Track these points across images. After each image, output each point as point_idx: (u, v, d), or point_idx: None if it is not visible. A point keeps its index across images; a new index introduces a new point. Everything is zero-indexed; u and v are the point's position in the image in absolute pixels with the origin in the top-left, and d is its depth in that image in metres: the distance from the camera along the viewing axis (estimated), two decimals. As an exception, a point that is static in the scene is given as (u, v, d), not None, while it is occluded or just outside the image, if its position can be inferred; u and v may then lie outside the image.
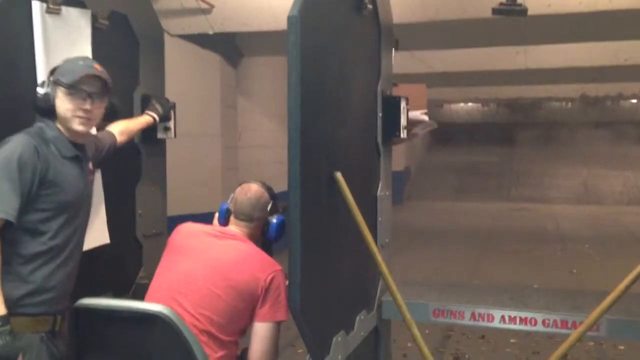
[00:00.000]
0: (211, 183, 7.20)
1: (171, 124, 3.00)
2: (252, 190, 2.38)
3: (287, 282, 2.19)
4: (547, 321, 2.33)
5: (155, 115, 2.83)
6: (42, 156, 2.01)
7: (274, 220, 2.36)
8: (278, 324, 2.21)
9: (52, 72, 2.12)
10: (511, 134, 19.65)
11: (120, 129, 2.57)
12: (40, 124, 2.11)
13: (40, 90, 2.09)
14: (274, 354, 2.22)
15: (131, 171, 2.91)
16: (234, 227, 2.36)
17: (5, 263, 1.92)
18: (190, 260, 2.25)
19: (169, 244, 2.38)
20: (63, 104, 2.08)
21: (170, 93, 3.16)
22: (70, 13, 2.43)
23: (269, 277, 2.18)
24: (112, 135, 2.52)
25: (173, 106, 2.97)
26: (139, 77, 2.91)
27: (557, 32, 5.71)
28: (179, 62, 3.16)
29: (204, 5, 3.68)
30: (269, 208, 2.37)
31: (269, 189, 2.41)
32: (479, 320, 2.42)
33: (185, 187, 3.92)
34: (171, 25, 3.39)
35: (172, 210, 3.25)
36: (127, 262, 2.86)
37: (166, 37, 3.29)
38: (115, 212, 2.68)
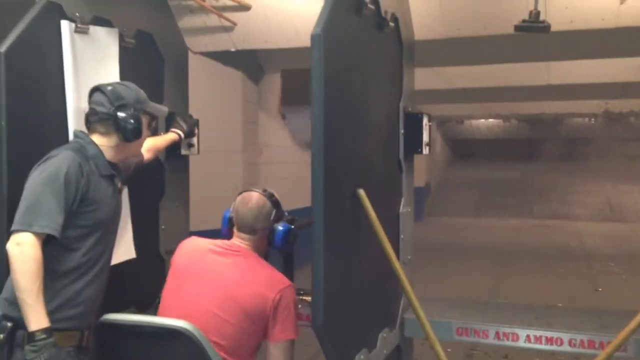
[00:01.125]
0: (233, 199, 7.21)
1: (194, 140, 3.04)
2: (253, 200, 2.28)
3: (296, 298, 2.19)
4: (573, 341, 2.29)
5: (180, 132, 2.87)
6: (85, 173, 2.06)
7: (280, 228, 2.28)
8: (292, 342, 2.17)
9: (132, 99, 2.20)
10: (533, 150, 19.45)
11: (147, 147, 2.60)
12: (80, 141, 2.17)
13: (128, 115, 2.16)
14: None
15: (155, 187, 2.95)
16: (238, 241, 2.28)
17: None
18: (196, 283, 2.20)
19: (173, 264, 2.32)
20: (145, 131, 2.27)
21: (193, 110, 3.20)
22: (98, 32, 2.48)
23: (277, 296, 2.13)
24: (140, 154, 2.55)
25: (197, 123, 3.01)
26: (164, 94, 2.95)
27: (579, 47, 5.67)
28: (202, 79, 3.20)
29: (226, 23, 3.72)
30: (272, 217, 2.28)
31: (270, 197, 2.31)
32: (503, 340, 2.39)
33: (207, 202, 3.94)
34: (194, 42, 3.43)
35: (195, 225, 3.27)
36: (150, 277, 2.88)
37: (189, 55, 3.34)
38: (138, 228, 2.70)
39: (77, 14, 2.38)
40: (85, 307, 2.08)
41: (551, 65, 7.77)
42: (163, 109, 2.43)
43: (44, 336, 1.88)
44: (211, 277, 2.19)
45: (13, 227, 1.93)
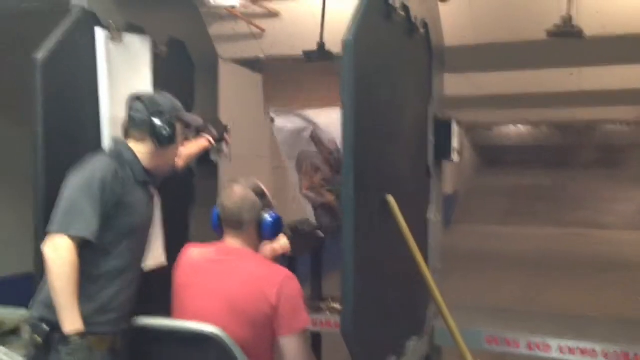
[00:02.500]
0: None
1: (224, 146, 3.06)
2: (235, 193, 2.22)
3: (299, 287, 2.14)
4: (607, 352, 2.24)
5: (211, 138, 2.89)
6: (121, 179, 2.09)
7: (267, 218, 2.21)
8: (303, 331, 2.13)
9: (166, 108, 2.23)
10: (564, 156, 19.14)
11: (182, 154, 2.61)
12: (117, 147, 2.20)
13: (162, 121, 2.19)
14: None
15: (185, 192, 2.98)
16: (229, 241, 2.23)
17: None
18: (197, 298, 2.18)
19: (174, 281, 2.27)
20: (180, 139, 2.30)
21: (223, 115, 3.23)
22: (131, 40, 2.53)
23: (277, 291, 2.08)
24: (174, 163, 2.52)
25: (227, 129, 3.02)
26: (195, 100, 2.99)
27: (611, 53, 5.57)
28: (231, 85, 3.23)
29: (255, 30, 3.75)
30: (258, 207, 2.22)
31: (254, 187, 2.24)
32: (534, 350, 2.35)
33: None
34: (224, 49, 3.47)
35: (224, 230, 3.28)
36: (180, 282, 2.90)
37: (219, 61, 3.37)
38: (169, 234, 2.73)
39: (111, 22, 2.42)
40: (118, 312, 2.11)
41: (583, 71, 7.65)
42: (197, 119, 2.46)
43: (78, 339, 1.90)
44: (210, 288, 2.16)
45: (49, 228, 1.96)
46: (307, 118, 3.02)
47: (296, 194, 3.31)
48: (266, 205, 2.25)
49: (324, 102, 3.16)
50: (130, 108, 2.23)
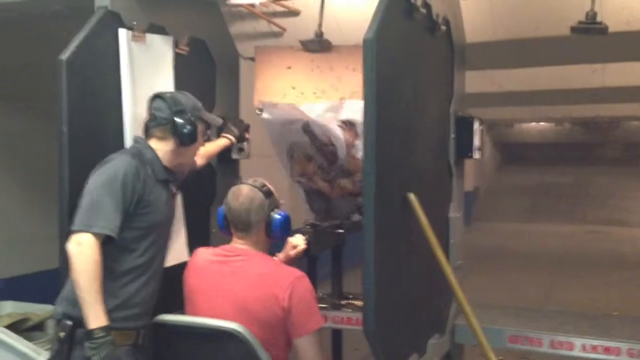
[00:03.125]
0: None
1: (245, 144, 3.08)
2: (243, 194, 2.20)
3: (310, 286, 2.12)
4: (632, 351, 2.22)
5: (232, 137, 2.91)
6: (142, 177, 2.12)
7: (276, 217, 2.20)
8: (317, 332, 2.11)
9: (188, 107, 2.26)
10: (586, 154, 18.90)
11: (200, 153, 2.63)
12: (138, 146, 2.24)
13: (185, 120, 2.22)
14: None
15: (207, 191, 2.99)
16: (237, 243, 2.23)
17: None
18: (208, 301, 2.18)
19: (184, 284, 2.27)
20: (200, 139, 2.32)
21: (244, 114, 3.25)
22: (154, 40, 2.55)
23: (288, 293, 2.07)
24: (194, 161, 2.55)
25: (248, 127, 3.04)
26: (216, 99, 3.01)
27: (636, 49, 5.49)
28: (251, 83, 3.24)
29: (275, 29, 3.76)
30: (266, 207, 2.20)
31: (261, 187, 2.23)
32: (558, 348, 2.33)
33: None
34: (245, 48, 3.48)
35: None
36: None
37: (240, 60, 3.38)
38: (190, 231, 2.75)
39: (135, 23, 2.45)
40: (140, 308, 2.14)
41: (607, 67, 7.55)
42: (218, 119, 2.49)
43: (102, 334, 1.92)
44: (220, 291, 2.16)
45: (73, 228, 2.00)
46: (298, 110, 2.98)
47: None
48: (274, 204, 2.23)
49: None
50: (152, 107, 2.26)
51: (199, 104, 2.33)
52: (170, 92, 2.33)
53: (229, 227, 2.27)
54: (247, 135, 3.05)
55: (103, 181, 2.06)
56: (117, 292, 2.08)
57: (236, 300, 2.13)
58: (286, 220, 2.24)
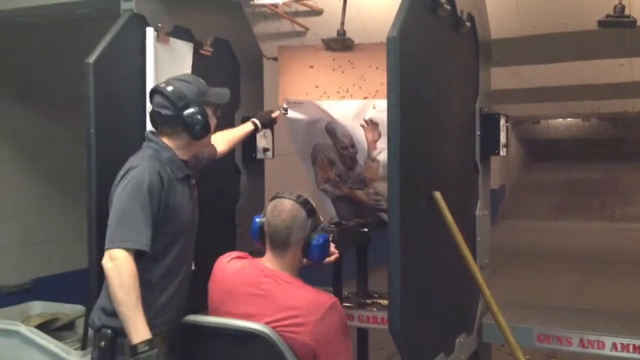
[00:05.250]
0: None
1: (270, 144, 3.08)
2: (285, 209, 2.07)
3: (343, 315, 2.03)
4: (665, 350, 2.17)
5: (258, 122, 2.80)
6: (164, 181, 2.07)
7: (316, 241, 2.08)
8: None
9: (195, 94, 2.17)
10: (615, 150, 18.57)
11: (221, 139, 2.57)
12: (154, 146, 2.15)
13: (194, 113, 2.13)
14: None
15: (232, 191, 3.01)
16: (268, 260, 2.11)
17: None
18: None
19: (210, 296, 2.19)
20: (212, 121, 2.23)
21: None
22: (176, 43, 2.58)
23: (313, 337, 1.97)
24: (212, 146, 2.46)
25: (275, 121, 2.97)
26: (240, 99, 3.02)
27: (666, 42, 5.37)
28: (274, 83, 3.25)
29: (298, 28, 3.76)
30: (307, 227, 2.08)
31: (305, 204, 2.09)
32: (588, 347, 2.29)
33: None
34: (268, 48, 3.49)
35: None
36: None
37: (264, 60, 3.40)
38: (216, 231, 2.77)
39: (160, 25, 2.47)
40: (175, 311, 2.13)
41: (635, 61, 7.40)
42: (223, 93, 2.31)
43: (146, 348, 1.90)
44: (246, 314, 2.07)
45: (106, 246, 1.96)
46: (322, 109, 2.96)
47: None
48: (315, 224, 2.11)
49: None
50: (154, 103, 2.17)
51: (202, 86, 2.21)
52: (170, 83, 2.16)
53: (263, 238, 2.16)
54: (275, 116, 2.91)
55: (129, 194, 2.00)
56: (153, 300, 2.06)
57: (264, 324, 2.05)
58: (326, 243, 2.12)
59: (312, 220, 2.09)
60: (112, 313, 1.99)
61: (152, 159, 2.10)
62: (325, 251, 2.12)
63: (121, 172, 2.08)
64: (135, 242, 1.95)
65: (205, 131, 2.17)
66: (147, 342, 1.91)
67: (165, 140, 2.16)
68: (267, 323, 2.03)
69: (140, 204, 1.99)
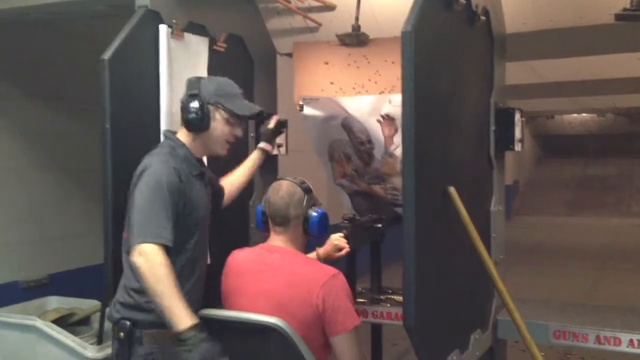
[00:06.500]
0: (318, 197, 7.29)
1: (283, 140, 3.08)
2: (283, 188, 2.26)
3: (345, 285, 2.13)
4: (682, 347, 2.15)
5: (264, 146, 2.78)
6: (182, 177, 2.10)
7: (314, 214, 2.25)
8: (354, 330, 2.13)
9: (207, 92, 2.17)
10: (631, 145, 18.38)
11: (229, 181, 2.60)
12: (170, 143, 2.21)
13: (193, 104, 2.14)
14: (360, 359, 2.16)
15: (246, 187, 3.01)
16: (274, 239, 2.26)
17: None
18: (246, 301, 2.19)
19: (223, 288, 2.30)
20: (220, 127, 2.21)
21: (281, 110, 3.26)
22: (191, 39, 2.58)
23: (322, 293, 2.09)
24: (220, 154, 2.35)
25: (285, 124, 3.01)
26: (254, 96, 3.02)
27: (684, 35, 5.31)
28: (288, 79, 3.25)
29: (311, 24, 3.74)
30: (304, 203, 2.25)
31: (301, 183, 2.28)
32: (604, 344, 2.28)
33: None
34: (281, 44, 3.48)
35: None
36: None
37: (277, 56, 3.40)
38: (229, 227, 2.78)
39: (174, 21, 2.48)
40: (194, 303, 2.12)
41: (651, 56, 7.31)
42: (246, 106, 2.28)
43: (192, 333, 1.86)
44: (257, 291, 2.18)
45: (133, 243, 1.96)
46: (338, 105, 2.95)
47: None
48: (312, 201, 2.27)
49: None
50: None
51: (225, 91, 2.20)
52: (199, 78, 2.23)
53: (267, 224, 2.30)
54: (275, 122, 2.87)
55: (149, 192, 2.01)
56: None
57: (273, 297, 2.15)
58: (324, 217, 2.26)
59: (309, 198, 2.26)
60: (131, 306, 2.02)
61: (169, 156, 2.14)
62: (324, 225, 2.26)
63: (138, 170, 2.10)
64: (159, 237, 1.95)
65: (199, 127, 2.16)
66: (192, 327, 1.86)
67: (182, 135, 2.22)
68: (279, 293, 2.13)
69: (162, 200, 2.01)
